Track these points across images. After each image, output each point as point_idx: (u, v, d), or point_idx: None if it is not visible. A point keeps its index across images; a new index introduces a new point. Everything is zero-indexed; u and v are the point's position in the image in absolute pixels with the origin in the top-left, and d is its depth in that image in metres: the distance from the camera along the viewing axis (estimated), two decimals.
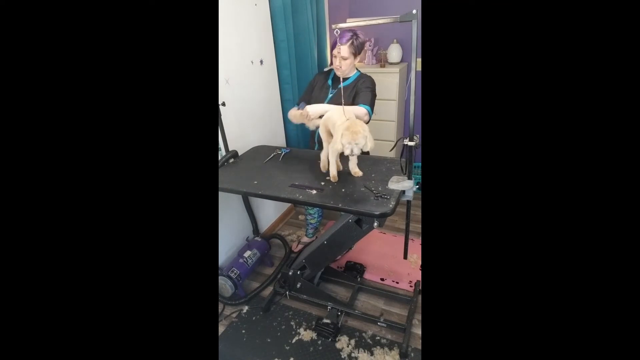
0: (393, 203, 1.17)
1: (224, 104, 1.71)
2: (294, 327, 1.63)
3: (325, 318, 1.60)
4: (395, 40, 2.57)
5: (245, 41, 1.81)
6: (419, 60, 1.99)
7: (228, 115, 1.75)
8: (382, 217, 1.17)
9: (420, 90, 2.15)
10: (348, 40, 1.54)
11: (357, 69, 1.71)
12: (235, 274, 1.75)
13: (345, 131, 1.21)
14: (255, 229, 2.08)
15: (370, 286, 1.81)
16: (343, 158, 1.42)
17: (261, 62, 1.96)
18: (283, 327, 1.64)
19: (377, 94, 1.67)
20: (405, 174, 1.28)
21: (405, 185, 1.26)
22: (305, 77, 2.24)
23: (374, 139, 1.29)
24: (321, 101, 1.71)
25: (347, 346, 1.52)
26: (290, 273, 1.65)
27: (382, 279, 1.88)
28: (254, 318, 1.70)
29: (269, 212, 2.35)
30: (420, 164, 2.68)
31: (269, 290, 1.82)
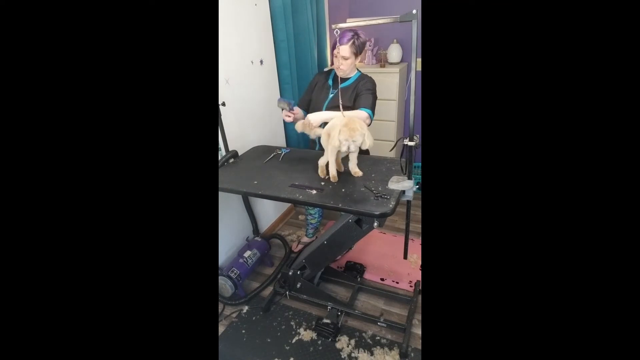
0: (393, 203, 1.17)
1: (224, 104, 1.71)
2: (294, 327, 1.63)
3: (325, 318, 1.60)
4: (395, 40, 2.57)
5: (245, 41, 1.81)
6: (419, 60, 1.99)
7: (228, 115, 1.75)
8: (382, 217, 1.17)
9: (420, 90, 2.15)
10: (349, 40, 1.54)
11: (357, 69, 1.70)
12: (235, 274, 1.75)
13: (343, 127, 1.23)
14: (255, 229, 2.08)
15: (370, 286, 1.81)
16: (344, 158, 1.42)
17: (261, 62, 1.96)
18: (283, 327, 1.64)
19: (377, 94, 1.67)
20: (405, 174, 1.28)
21: (405, 185, 1.26)
22: (305, 77, 2.24)
23: (374, 139, 1.29)
24: (321, 102, 1.71)
25: (347, 346, 1.52)
26: (290, 273, 1.65)
27: (382, 279, 1.88)
28: (254, 318, 1.70)
29: (269, 212, 2.35)
30: (420, 164, 2.68)
31: (269, 290, 1.82)
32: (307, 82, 1.96)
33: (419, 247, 2.08)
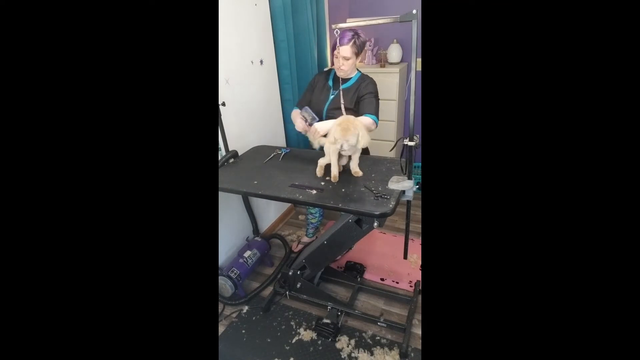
0: (393, 203, 1.17)
1: (224, 104, 1.71)
2: (294, 327, 1.63)
3: (325, 318, 1.60)
4: (395, 40, 2.57)
5: (245, 41, 1.81)
6: (419, 60, 1.99)
7: (228, 115, 1.75)
8: (382, 217, 1.17)
9: (420, 90, 2.15)
10: (350, 40, 1.53)
11: (357, 70, 1.70)
12: (235, 274, 1.75)
13: (337, 126, 1.25)
14: (255, 229, 2.08)
15: (370, 286, 1.81)
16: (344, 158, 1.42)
17: (261, 62, 1.96)
18: (283, 327, 1.64)
19: (378, 95, 1.66)
20: (405, 174, 1.28)
21: (405, 185, 1.26)
22: (305, 77, 2.24)
23: (375, 139, 1.30)
24: (322, 103, 1.70)
25: (347, 346, 1.52)
26: (290, 273, 1.65)
27: (382, 279, 1.88)
28: (254, 318, 1.69)
29: (269, 212, 2.35)
30: (420, 164, 2.68)
31: (269, 290, 1.82)
32: (307, 82, 1.96)
33: (419, 247, 2.08)
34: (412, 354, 1.46)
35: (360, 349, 1.50)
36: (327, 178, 1.37)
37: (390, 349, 1.50)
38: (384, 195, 1.22)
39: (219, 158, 1.62)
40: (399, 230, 2.31)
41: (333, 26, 1.25)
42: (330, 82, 1.72)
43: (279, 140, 2.28)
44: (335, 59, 1.60)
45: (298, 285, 1.68)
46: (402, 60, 2.61)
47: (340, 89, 1.49)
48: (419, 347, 1.49)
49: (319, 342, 1.55)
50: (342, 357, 1.48)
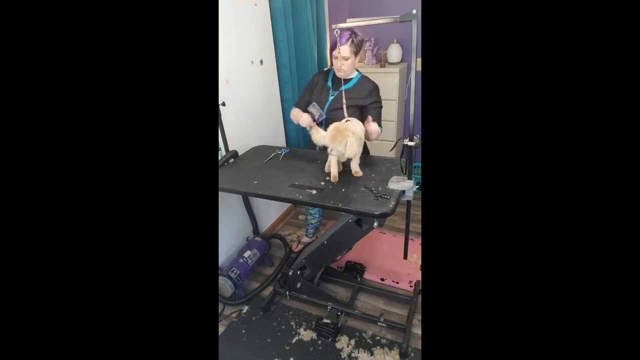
0: (393, 203, 1.17)
1: (224, 104, 1.71)
2: (294, 327, 1.63)
3: (325, 318, 1.60)
4: (395, 40, 2.56)
5: (245, 41, 1.81)
6: (419, 60, 1.99)
7: (228, 115, 1.75)
8: (382, 217, 1.17)
9: (420, 90, 2.15)
10: (348, 40, 1.53)
11: (357, 70, 1.70)
12: (235, 274, 1.75)
13: (330, 131, 1.30)
14: (255, 229, 2.08)
15: (370, 286, 1.81)
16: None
17: (261, 62, 1.96)
18: (283, 327, 1.64)
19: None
20: (405, 174, 1.28)
21: (405, 185, 1.26)
22: (305, 77, 2.24)
23: (375, 139, 1.30)
24: (322, 104, 1.69)
25: (347, 346, 1.52)
26: (290, 273, 1.65)
27: (382, 279, 1.88)
28: (254, 318, 1.70)
29: (269, 212, 2.36)
30: (420, 164, 2.68)
31: (269, 290, 1.82)
32: (307, 82, 1.96)
33: (419, 247, 2.08)
34: (412, 354, 1.46)
35: (360, 349, 1.50)
36: (327, 178, 1.37)
37: (390, 349, 1.50)
38: (384, 195, 1.22)
39: (219, 158, 1.62)
40: (399, 230, 2.31)
41: (333, 26, 1.25)
42: (330, 83, 1.72)
43: (279, 140, 2.28)
44: (334, 60, 1.60)
45: (298, 285, 1.68)
46: (402, 60, 2.61)
47: (341, 90, 1.49)
48: (419, 347, 1.49)
49: (319, 342, 1.55)
50: (342, 357, 1.48)
